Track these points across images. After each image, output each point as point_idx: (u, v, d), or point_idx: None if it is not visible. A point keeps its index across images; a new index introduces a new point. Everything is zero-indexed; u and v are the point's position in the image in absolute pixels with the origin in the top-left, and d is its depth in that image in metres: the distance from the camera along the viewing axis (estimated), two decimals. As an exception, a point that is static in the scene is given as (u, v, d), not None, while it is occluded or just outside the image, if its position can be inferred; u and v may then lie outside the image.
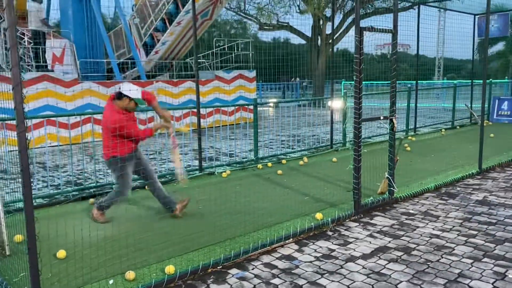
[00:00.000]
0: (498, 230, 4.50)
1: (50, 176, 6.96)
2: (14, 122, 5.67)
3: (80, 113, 6.35)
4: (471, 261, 3.79)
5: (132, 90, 4.65)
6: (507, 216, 4.92)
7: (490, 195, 5.81)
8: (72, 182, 6.55)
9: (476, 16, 13.50)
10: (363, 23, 4.93)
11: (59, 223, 4.54)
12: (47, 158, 7.86)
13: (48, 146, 7.93)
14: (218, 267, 3.74)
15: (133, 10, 14.64)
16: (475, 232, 4.45)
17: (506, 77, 18.92)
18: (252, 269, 3.73)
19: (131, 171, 4.86)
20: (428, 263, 3.76)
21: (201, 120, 7.47)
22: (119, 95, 4.66)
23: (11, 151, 7.06)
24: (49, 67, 11.53)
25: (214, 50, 16.00)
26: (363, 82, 4.90)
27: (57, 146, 9.72)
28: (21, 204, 5.28)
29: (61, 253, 3.90)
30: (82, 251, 4.00)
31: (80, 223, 4.69)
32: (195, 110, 7.59)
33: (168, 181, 6.71)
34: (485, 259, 3.81)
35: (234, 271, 3.70)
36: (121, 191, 4.79)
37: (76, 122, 9.91)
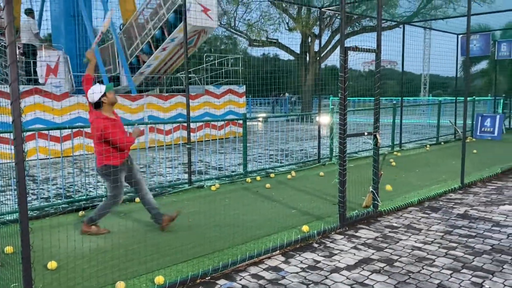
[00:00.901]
0: (477, 243, 4.67)
1: (40, 189, 7.00)
2: (5, 135, 5.73)
3: (72, 126, 6.43)
4: (450, 272, 3.94)
5: (95, 92, 4.73)
6: (486, 230, 5.10)
7: (471, 209, 6.01)
8: (63, 195, 6.61)
9: (459, 36, 13.94)
10: (351, 40, 5.16)
11: (49, 235, 4.61)
12: (37, 171, 7.90)
13: (40, 159, 7.97)
14: (207, 278, 3.85)
15: (120, 30, 14.85)
16: (455, 245, 4.62)
17: (489, 94, 19.39)
18: (240, 279, 3.84)
19: (123, 180, 4.95)
20: (410, 274, 3.90)
21: (191, 134, 7.60)
22: (98, 104, 4.75)
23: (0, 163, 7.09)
24: (43, 80, 11.57)
25: (204, 65, 16.21)
26: (350, 98, 5.09)
27: (47, 159, 9.75)
28: (9, 217, 5.35)
29: (52, 264, 3.97)
30: (74, 262, 4.08)
31: (70, 235, 4.76)
32: (185, 124, 7.71)
33: (157, 194, 6.80)
34: (464, 270, 3.97)
35: (222, 281, 3.81)
36: (114, 199, 4.87)
37: (66, 135, 9.96)
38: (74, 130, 7.24)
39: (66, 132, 9.77)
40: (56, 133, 9.36)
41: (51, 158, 7.30)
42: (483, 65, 23.43)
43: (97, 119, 4.71)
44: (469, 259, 4.22)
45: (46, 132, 9.42)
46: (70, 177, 8.26)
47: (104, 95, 4.75)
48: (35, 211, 5.90)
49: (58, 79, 11.61)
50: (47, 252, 4.24)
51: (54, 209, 6.01)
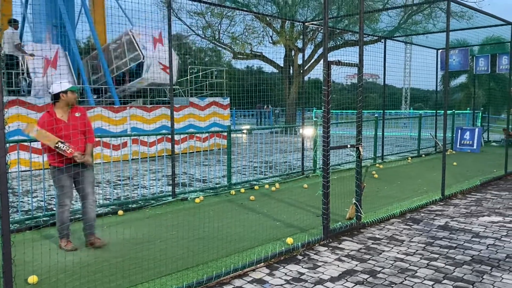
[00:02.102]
0: (457, 254, 4.76)
1: (20, 201, 6.88)
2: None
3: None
4: (432, 283, 4.01)
5: (62, 83, 4.72)
6: (467, 241, 5.20)
7: (451, 220, 6.12)
8: (44, 208, 6.51)
9: (439, 51, 14.29)
10: (334, 54, 5.25)
11: (29, 249, 4.54)
12: (17, 183, 7.76)
13: (21, 171, 7.86)
14: (191, 291, 3.83)
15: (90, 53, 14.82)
16: (436, 256, 4.70)
17: (468, 108, 19.85)
18: (224, 292, 3.84)
19: (70, 183, 4.78)
20: (392, 285, 3.95)
21: (175, 146, 7.58)
22: (55, 97, 4.69)
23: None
24: (40, 76, 11.45)
25: (188, 77, 16.22)
26: (333, 111, 5.17)
27: (28, 171, 9.60)
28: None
29: (33, 278, 3.90)
30: (56, 276, 4.02)
31: (52, 249, 4.69)
32: (168, 136, 7.70)
33: (140, 207, 6.75)
34: (445, 281, 4.04)
35: (206, 294, 3.80)
36: (60, 202, 4.75)
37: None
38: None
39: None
40: (36, 144, 9.25)
41: (32, 170, 7.20)
42: (462, 79, 24.02)
43: (44, 113, 4.73)
44: (450, 270, 4.30)
45: (27, 143, 9.31)
46: (51, 189, 8.13)
47: (65, 92, 4.69)
48: (15, 224, 5.80)
49: (60, 68, 11.59)
50: (27, 266, 4.17)
51: (35, 222, 5.92)
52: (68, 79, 4.57)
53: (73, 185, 4.88)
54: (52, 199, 7.39)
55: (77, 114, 4.86)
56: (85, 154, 4.82)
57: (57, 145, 4.55)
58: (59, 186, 4.75)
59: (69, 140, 4.66)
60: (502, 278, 4.09)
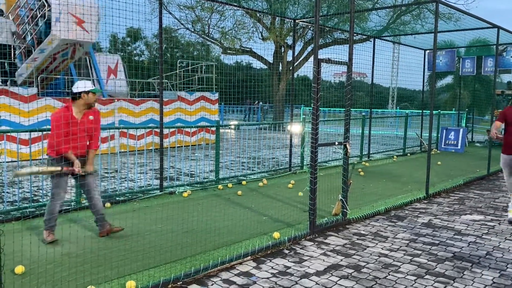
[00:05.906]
0: (440, 250, 4.87)
1: (6, 192, 6.82)
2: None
3: (41, 129, 6.32)
4: (414, 278, 4.11)
5: (87, 85, 4.77)
6: (449, 238, 5.33)
7: (434, 218, 6.25)
8: (30, 199, 6.47)
9: (426, 51, 14.47)
10: (323, 51, 5.29)
11: (15, 239, 4.52)
12: (3, 174, 7.69)
13: (7, 162, 7.78)
14: (179, 283, 3.87)
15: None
16: (419, 252, 4.81)
17: (454, 109, 20.15)
18: (212, 285, 3.88)
19: (66, 175, 4.77)
20: (376, 280, 4.04)
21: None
22: (75, 96, 4.71)
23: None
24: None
25: (177, 71, 16.16)
26: (321, 109, 5.22)
27: (14, 161, 9.50)
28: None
29: (19, 269, 3.90)
30: (41, 267, 4.02)
31: (39, 240, 4.69)
32: (156, 130, 7.69)
33: (128, 200, 6.75)
34: (427, 276, 4.14)
35: (194, 287, 3.84)
36: (55, 193, 4.71)
37: (33, 138, 9.74)
38: (45, 132, 7.11)
39: (33, 134, 9.56)
40: (22, 135, 9.16)
41: (15, 161, 7.13)
42: (448, 80, 24.29)
43: (61, 108, 4.72)
44: (432, 266, 4.41)
45: (16, 134, 9.21)
46: (37, 181, 8.07)
47: (87, 92, 4.73)
48: (1, 215, 5.75)
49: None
50: (13, 257, 4.15)
51: (20, 213, 5.89)
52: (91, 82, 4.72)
53: (70, 176, 4.86)
54: (38, 190, 7.33)
55: (90, 117, 4.89)
56: (86, 163, 4.85)
57: (60, 169, 4.63)
58: (55, 177, 4.69)
59: (76, 139, 4.71)
60: (482, 275, 4.21)
